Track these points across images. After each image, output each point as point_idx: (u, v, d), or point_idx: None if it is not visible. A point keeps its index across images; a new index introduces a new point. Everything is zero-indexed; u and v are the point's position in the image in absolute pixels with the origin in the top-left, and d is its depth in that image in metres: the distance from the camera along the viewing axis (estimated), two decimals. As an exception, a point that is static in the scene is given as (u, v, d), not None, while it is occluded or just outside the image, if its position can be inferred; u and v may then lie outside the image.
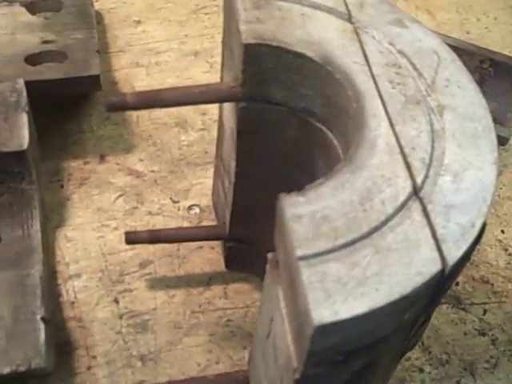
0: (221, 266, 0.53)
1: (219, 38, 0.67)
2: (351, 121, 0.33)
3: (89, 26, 0.60)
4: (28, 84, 0.51)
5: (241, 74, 0.36)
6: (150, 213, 0.55)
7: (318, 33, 0.35)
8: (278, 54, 0.35)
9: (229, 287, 0.52)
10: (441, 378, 0.50)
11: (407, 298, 0.27)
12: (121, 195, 0.56)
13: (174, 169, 0.58)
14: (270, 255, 0.33)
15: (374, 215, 0.29)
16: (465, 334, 0.52)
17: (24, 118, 0.49)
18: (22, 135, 0.48)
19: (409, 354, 0.50)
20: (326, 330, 0.26)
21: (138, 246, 0.52)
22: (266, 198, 0.44)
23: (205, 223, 0.55)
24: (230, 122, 0.42)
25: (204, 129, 0.61)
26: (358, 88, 0.33)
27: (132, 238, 0.48)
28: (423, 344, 0.51)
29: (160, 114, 0.61)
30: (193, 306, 0.51)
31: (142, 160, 0.58)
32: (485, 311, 0.53)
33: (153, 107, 0.38)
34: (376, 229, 0.29)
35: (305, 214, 0.29)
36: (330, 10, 0.36)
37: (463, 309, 0.53)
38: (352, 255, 0.28)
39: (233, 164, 0.43)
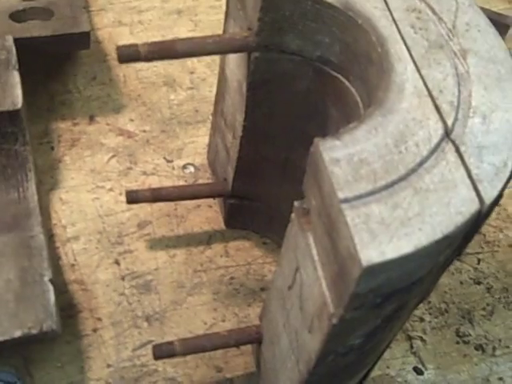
0: (220, 224, 0.52)
1: (202, -5, 0.66)
2: (374, 66, 0.33)
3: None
4: (15, 42, 0.50)
5: (257, 22, 0.36)
6: (144, 173, 0.54)
7: (337, -22, 0.35)
8: (297, 1, 0.35)
9: (229, 245, 0.52)
10: (441, 327, 0.50)
11: (448, 237, 0.28)
12: (113, 156, 0.55)
13: (165, 128, 0.57)
14: (296, 203, 0.33)
15: (409, 157, 0.29)
16: (461, 283, 0.53)
17: (16, 77, 0.47)
18: (16, 94, 0.47)
19: (410, 305, 0.51)
20: (373, 270, 0.26)
21: (134, 206, 0.51)
22: (272, 152, 0.45)
23: (201, 181, 0.54)
24: (237, 75, 0.42)
25: (193, 87, 0.60)
26: (381, 33, 0.33)
27: (134, 198, 0.48)
28: (423, 294, 0.52)
29: (147, 73, 0.60)
30: (194, 265, 0.50)
31: (132, 120, 0.57)
32: (479, 260, 0.54)
33: (166, 58, 0.37)
34: (413, 170, 0.29)
35: (342, 157, 0.29)
36: (346, -46, 0.36)
37: (458, 259, 0.54)
38: (392, 197, 0.28)
39: (239, 117, 0.43)
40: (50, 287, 0.41)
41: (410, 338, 0.50)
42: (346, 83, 0.37)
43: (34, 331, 0.40)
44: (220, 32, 0.58)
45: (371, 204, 0.28)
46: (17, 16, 0.54)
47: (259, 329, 0.43)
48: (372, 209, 0.27)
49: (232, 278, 0.50)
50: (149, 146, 0.56)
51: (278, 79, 0.39)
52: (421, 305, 0.51)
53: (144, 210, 0.52)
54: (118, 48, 0.37)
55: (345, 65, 0.36)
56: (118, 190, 0.53)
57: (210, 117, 0.58)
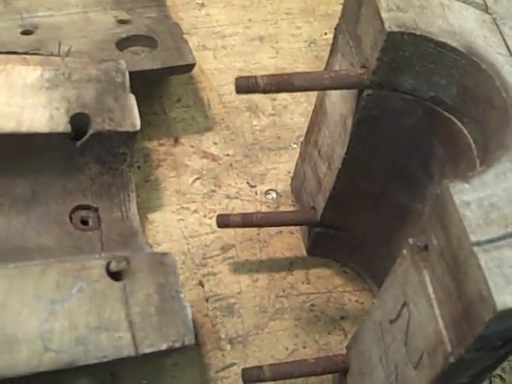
0: (301, 250, 0.53)
1: (283, 24, 0.67)
2: (496, 111, 0.34)
3: (159, 3, 0.60)
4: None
5: (375, 61, 0.37)
6: (228, 196, 0.55)
7: (459, 23, 0.35)
8: (419, 43, 0.35)
9: (310, 272, 0.52)
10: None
11: None
12: (198, 178, 0.56)
13: (248, 153, 0.58)
14: (411, 240, 0.33)
15: (538, 204, 0.30)
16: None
17: (132, 99, 0.49)
18: (134, 116, 0.48)
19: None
20: (505, 314, 0.27)
21: (218, 229, 0.52)
22: (368, 185, 0.45)
23: (283, 207, 0.55)
24: (340, 109, 0.43)
25: (275, 114, 0.61)
26: (505, 78, 0.34)
27: (225, 222, 0.49)
28: None
29: (230, 97, 0.61)
30: (276, 291, 0.51)
31: (216, 143, 0.58)
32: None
33: (282, 91, 0.38)
34: (542, 218, 0.29)
35: (473, 200, 0.29)
36: (467, 1, 0.37)
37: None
38: (523, 243, 0.28)
39: (339, 150, 0.43)
40: (187, 303, 0.42)
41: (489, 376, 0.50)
42: (459, 124, 0.37)
43: (177, 344, 0.41)
44: (302, 60, 0.60)
45: (503, 248, 0.28)
46: (121, 44, 0.55)
47: (346, 358, 0.44)
48: (505, 253, 0.28)
49: (313, 305, 0.51)
50: (232, 169, 0.57)
51: (386, 116, 0.40)
52: None
53: (227, 233, 0.53)
54: (237, 79, 0.38)
55: (460, 107, 0.37)
56: (203, 212, 0.54)
57: (292, 144, 0.59)
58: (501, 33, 0.35)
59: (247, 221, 0.49)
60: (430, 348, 0.32)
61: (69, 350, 0.38)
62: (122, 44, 0.55)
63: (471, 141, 0.36)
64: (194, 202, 0.54)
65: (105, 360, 0.38)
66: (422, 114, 0.39)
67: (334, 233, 0.50)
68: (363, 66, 0.38)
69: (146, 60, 0.54)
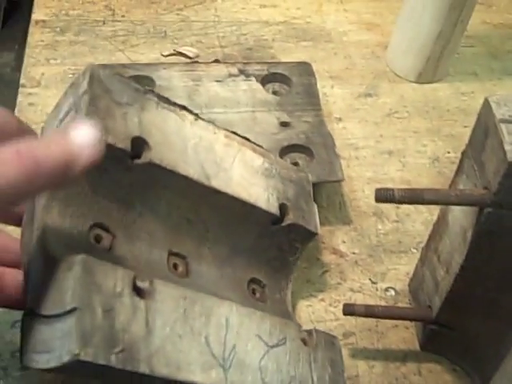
0: (414, 345, 0.59)
1: (410, 141, 0.75)
2: None
3: (315, 108, 0.69)
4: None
5: (497, 185, 0.43)
6: (351, 289, 0.62)
7: None
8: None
9: (422, 366, 0.58)
10: None
11: None
12: (326, 271, 0.63)
13: (372, 253, 0.65)
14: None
15: None
16: None
17: (315, 207, 0.58)
18: (316, 221, 0.57)
19: None
20: None
21: (341, 317, 0.59)
22: (482, 290, 0.51)
23: (400, 304, 0.61)
24: (461, 221, 0.49)
25: (398, 221, 0.68)
26: None
27: (350, 310, 0.55)
28: None
29: (359, 203, 0.69)
30: (390, 379, 0.57)
31: (344, 242, 0.66)
32: None
33: (414, 203, 0.46)
34: None
35: None
36: None
37: None
38: None
39: (458, 258, 0.50)
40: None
41: None
42: None
43: None
44: (425, 174, 0.67)
45: None
46: (282, 152, 0.65)
47: None
48: None
49: (422, 396, 0.56)
50: (357, 266, 0.64)
51: (503, 232, 0.46)
52: None
53: (349, 322, 0.60)
54: (377, 190, 0.45)
55: None
56: (328, 301, 0.61)
57: (412, 249, 0.66)
58: None
59: (369, 311, 0.55)
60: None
61: None
62: (283, 152, 0.65)
63: None
64: (321, 291, 0.62)
65: None
66: (537, 230, 0.45)
67: (447, 332, 0.56)
68: (485, 188, 0.45)
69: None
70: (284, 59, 0.81)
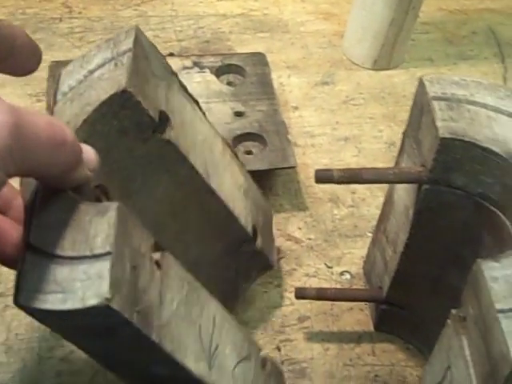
0: (369, 326, 0.60)
1: (366, 127, 0.76)
2: (529, 207, 0.40)
3: (270, 97, 0.70)
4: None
5: (432, 161, 0.44)
6: (307, 275, 0.63)
7: (503, 133, 0.43)
8: (468, 148, 0.43)
9: (376, 346, 0.58)
10: None
11: None
12: (282, 257, 0.64)
13: (327, 238, 0.65)
14: (453, 311, 0.40)
15: (556, 283, 0.36)
16: None
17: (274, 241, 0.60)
18: (274, 255, 0.60)
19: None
20: (520, 370, 0.33)
21: (296, 302, 0.60)
22: (426, 268, 0.52)
23: (355, 287, 0.62)
24: (405, 200, 0.50)
25: (353, 206, 0.69)
26: (539, 180, 0.40)
27: (302, 293, 0.56)
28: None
29: (315, 190, 0.69)
30: (344, 360, 0.57)
31: (299, 228, 0.66)
32: None
33: (353, 183, 0.46)
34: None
35: (500, 276, 0.36)
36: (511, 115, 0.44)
37: None
38: (541, 313, 0.35)
39: (403, 236, 0.50)
40: None
41: None
42: (503, 217, 0.44)
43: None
44: (381, 159, 0.68)
45: (522, 316, 0.34)
46: (236, 141, 0.66)
47: (402, 422, 0.49)
48: (523, 320, 0.34)
49: (377, 376, 0.56)
50: (312, 252, 0.64)
51: (442, 208, 0.47)
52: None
53: (304, 306, 0.60)
54: (317, 171, 0.46)
55: (503, 202, 0.43)
56: (284, 287, 0.61)
57: (367, 233, 0.66)
58: (539, 143, 0.42)
59: (321, 294, 0.56)
60: (466, 404, 0.38)
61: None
62: (237, 139, 0.66)
63: (512, 231, 0.43)
64: (277, 277, 0.62)
65: None
66: (473, 207, 0.46)
67: (398, 311, 0.56)
68: (422, 165, 0.46)
69: (256, 160, 0.63)
70: (241, 51, 0.82)
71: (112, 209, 0.36)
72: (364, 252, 0.63)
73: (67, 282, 0.34)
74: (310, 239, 0.65)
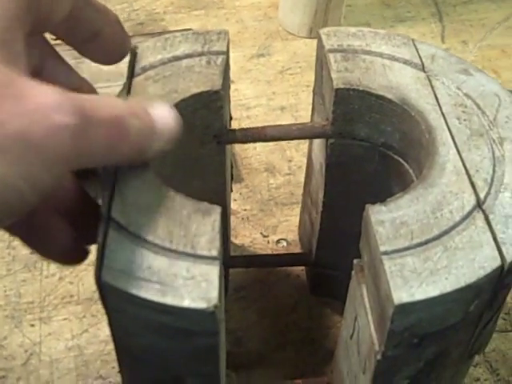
0: (306, 292, 0.59)
1: (303, 95, 0.75)
2: (424, 150, 0.40)
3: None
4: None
5: (331, 114, 0.44)
6: (242, 245, 0.62)
7: (397, 80, 0.42)
8: (363, 97, 0.42)
9: (313, 311, 0.58)
10: (508, 400, 0.54)
11: (471, 287, 0.33)
12: (217, 229, 0.63)
13: (263, 208, 0.65)
14: (355, 261, 0.39)
15: (443, 222, 0.35)
16: (532, 358, 0.56)
17: None
18: None
19: (478, 375, 0.55)
20: (403, 309, 0.32)
21: (232, 272, 0.59)
22: (348, 225, 0.51)
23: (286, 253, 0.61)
24: (319, 158, 0.50)
25: (290, 174, 0.68)
26: (430, 123, 0.40)
27: (231, 262, 0.56)
28: (491, 367, 0.55)
29: (251, 160, 0.69)
30: (280, 326, 0.57)
31: (235, 200, 0.66)
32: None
33: (257, 141, 0.46)
34: (445, 232, 0.35)
35: (386, 219, 0.35)
36: (407, 62, 0.43)
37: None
38: (425, 252, 0.34)
39: (321, 195, 0.50)
40: None
41: (477, 410, 0.53)
42: (406, 166, 0.43)
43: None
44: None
45: (406, 257, 0.34)
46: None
47: (330, 380, 0.49)
48: (407, 260, 0.34)
49: (313, 340, 0.56)
50: (248, 222, 0.64)
51: (351, 162, 0.46)
52: (489, 376, 0.55)
53: (241, 276, 0.60)
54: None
55: (403, 150, 0.43)
56: (219, 258, 0.61)
57: (303, 199, 0.66)
58: (432, 87, 0.42)
59: (249, 262, 0.56)
60: (369, 351, 0.38)
61: None
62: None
63: (414, 178, 0.43)
64: (211, 249, 0.62)
65: None
66: (379, 158, 0.45)
67: (329, 273, 0.56)
68: (326, 119, 0.45)
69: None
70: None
71: (216, 212, 0.35)
72: (300, 219, 0.63)
73: (166, 274, 0.32)
74: (245, 210, 0.65)
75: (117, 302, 0.34)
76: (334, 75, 0.43)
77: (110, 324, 0.37)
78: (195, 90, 0.41)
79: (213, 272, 0.33)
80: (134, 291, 0.32)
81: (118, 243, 0.34)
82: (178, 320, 0.33)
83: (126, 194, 0.36)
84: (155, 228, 0.34)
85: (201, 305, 0.32)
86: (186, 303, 0.32)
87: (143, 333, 0.36)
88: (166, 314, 0.33)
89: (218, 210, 0.35)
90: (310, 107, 0.74)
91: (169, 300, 0.32)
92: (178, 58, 0.43)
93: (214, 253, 0.33)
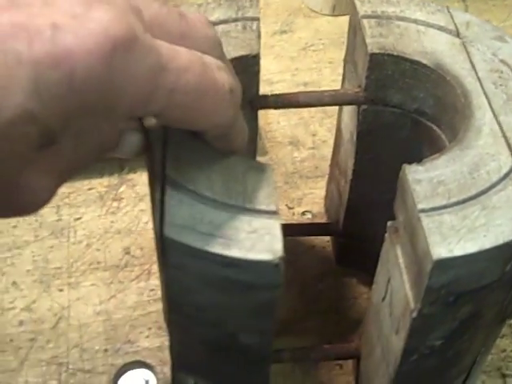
0: (331, 263, 0.60)
1: (326, 71, 0.75)
2: (459, 114, 0.40)
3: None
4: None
5: (364, 80, 0.44)
6: (268, 216, 0.63)
7: (431, 45, 0.42)
8: (397, 62, 0.42)
9: (339, 281, 0.58)
10: (535, 369, 0.54)
11: (510, 245, 0.34)
12: (243, 201, 0.64)
13: (288, 180, 0.65)
14: (389, 223, 0.40)
15: (480, 182, 0.36)
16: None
17: None
18: None
19: (504, 347, 0.55)
20: (442, 264, 0.33)
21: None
22: (377, 195, 0.52)
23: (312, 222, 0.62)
24: (349, 127, 0.50)
25: (314, 148, 0.68)
26: (466, 87, 0.40)
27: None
28: (517, 337, 0.56)
29: (275, 134, 0.69)
30: (308, 296, 0.57)
31: (260, 172, 0.66)
32: None
33: (290, 107, 0.46)
34: (482, 192, 0.35)
35: (423, 178, 0.36)
36: (441, 28, 0.44)
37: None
38: (462, 211, 0.35)
39: (350, 163, 0.50)
40: None
41: (503, 376, 0.54)
42: (438, 131, 0.44)
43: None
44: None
45: (444, 214, 0.34)
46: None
47: (358, 345, 0.49)
48: (444, 218, 0.34)
49: (338, 309, 0.57)
50: (273, 194, 0.64)
51: (383, 129, 0.47)
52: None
53: (266, 246, 0.60)
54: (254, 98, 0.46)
55: (437, 115, 0.43)
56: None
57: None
58: (467, 52, 0.42)
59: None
60: (403, 311, 0.38)
61: None
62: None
63: (447, 143, 0.43)
64: (237, 220, 0.62)
65: None
66: (411, 125, 0.46)
67: (357, 244, 0.56)
68: (359, 86, 0.46)
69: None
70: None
71: (269, 169, 0.36)
72: (325, 192, 0.63)
73: (229, 228, 0.33)
74: (270, 182, 0.65)
75: (179, 258, 0.34)
76: (368, 40, 0.43)
77: (166, 282, 0.37)
78: (234, 54, 0.42)
79: (274, 226, 0.33)
80: (199, 245, 0.32)
81: (178, 200, 0.34)
82: (242, 273, 0.33)
83: (179, 153, 0.36)
84: (212, 184, 0.35)
85: (267, 257, 0.32)
86: (252, 255, 0.32)
87: (203, 289, 0.36)
88: (230, 268, 0.33)
89: (270, 167, 0.36)
90: (333, 84, 0.75)
91: (234, 253, 0.32)
92: (213, 24, 0.44)
93: (273, 207, 0.34)
